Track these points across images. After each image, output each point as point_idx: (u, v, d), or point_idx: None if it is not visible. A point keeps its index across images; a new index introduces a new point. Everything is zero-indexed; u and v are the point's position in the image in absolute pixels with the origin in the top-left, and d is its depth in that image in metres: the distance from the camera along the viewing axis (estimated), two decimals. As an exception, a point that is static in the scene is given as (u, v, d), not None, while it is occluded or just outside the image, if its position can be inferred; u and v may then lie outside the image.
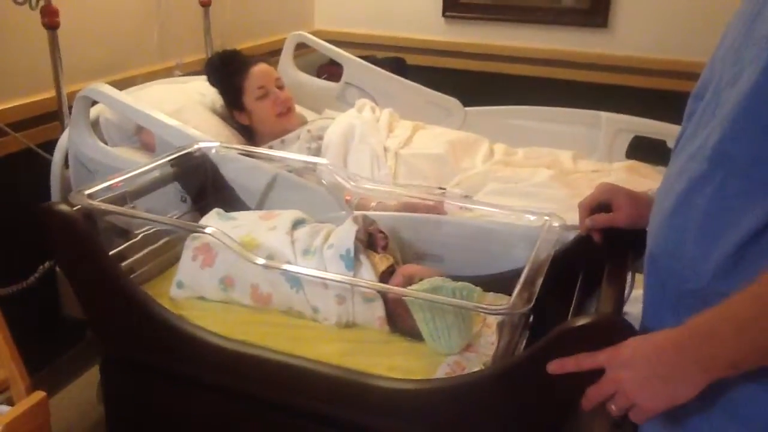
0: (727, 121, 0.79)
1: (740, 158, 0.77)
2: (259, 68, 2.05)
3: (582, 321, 0.98)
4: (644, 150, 2.16)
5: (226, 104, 2.06)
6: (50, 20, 1.77)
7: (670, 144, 2.08)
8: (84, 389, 2.00)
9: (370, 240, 1.41)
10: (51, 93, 1.87)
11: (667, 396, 0.81)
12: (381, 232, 1.44)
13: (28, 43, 1.83)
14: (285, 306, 1.36)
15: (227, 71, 2.05)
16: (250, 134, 2.06)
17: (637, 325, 0.97)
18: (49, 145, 1.88)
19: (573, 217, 1.38)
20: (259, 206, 1.63)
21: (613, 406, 0.88)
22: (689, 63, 2.52)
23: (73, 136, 1.79)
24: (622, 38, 2.66)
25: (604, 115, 2.21)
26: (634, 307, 1.22)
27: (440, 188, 1.78)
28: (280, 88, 2.07)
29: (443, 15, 2.90)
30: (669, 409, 0.82)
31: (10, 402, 1.29)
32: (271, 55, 2.66)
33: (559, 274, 1.22)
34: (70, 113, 1.83)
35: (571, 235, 1.32)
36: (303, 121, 2.16)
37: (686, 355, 0.79)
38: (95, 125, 1.86)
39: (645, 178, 1.96)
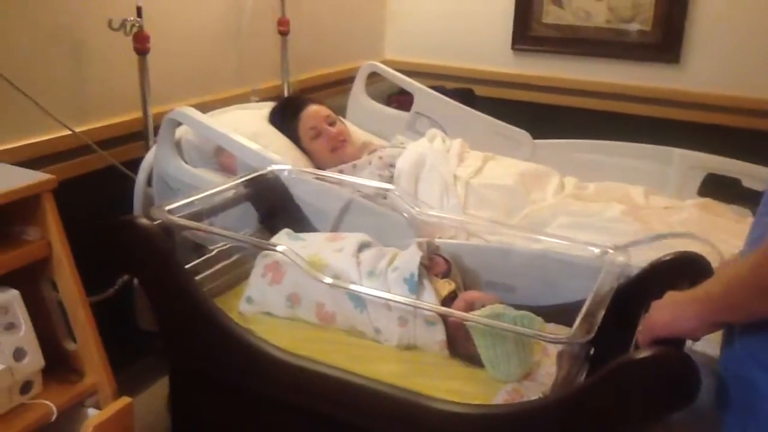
0: None
1: None
2: (309, 111, 2.11)
3: (642, 354, 0.99)
4: (718, 188, 2.12)
5: None
6: (141, 46, 1.88)
7: (746, 182, 2.06)
8: (152, 400, 2.06)
9: (430, 265, 1.44)
10: (137, 114, 1.97)
11: (671, 318, 0.98)
12: (444, 258, 1.46)
13: (119, 66, 1.94)
14: (348, 325, 1.39)
15: (284, 120, 2.12)
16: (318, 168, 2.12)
17: (707, 362, 0.99)
18: (131, 163, 1.97)
19: (644, 254, 1.39)
20: (331, 229, 1.68)
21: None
22: (763, 101, 2.47)
23: (159, 156, 1.88)
24: (694, 74, 2.62)
25: (677, 151, 2.18)
26: (706, 347, 1.21)
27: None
28: (332, 124, 2.12)
29: (512, 48, 2.93)
30: (670, 333, 0.99)
31: (97, 405, 1.37)
32: (343, 83, 2.74)
33: (621, 308, 1.22)
34: (154, 134, 1.94)
35: (635, 270, 1.32)
36: (368, 147, 2.21)
37: (693, 291, 0.97)
38: (177, 146, 1.95)
39: (718, 217, 1.91)
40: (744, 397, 0.93)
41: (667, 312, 1.00)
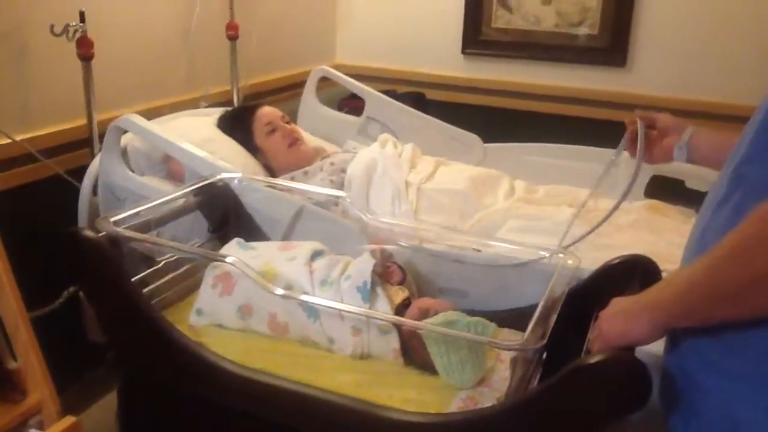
0: (744, 146, 0.87)
1: (753, 179, 0.84)
2: (265, 109, 2.15)
3: (594, 359, 1.00)
4: (662, 189, 2.17)
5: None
6: (85, 51, 1.83)
7: (689, 183, 2.11)
8: (100, 414, 2.01)
9: (385, 273, 1.43)
10: (81, 121, 1.92)
11: (623, 328, 0.97)
12: (398, 266, 1.46)
13: (62, 72, 1.88)
14: (301, 335, 1.37)
15: (236, 121, 2.13)
16: (270, 172, 2.10)
17: (653, 361, 1.00)
18: (76, 172, 1.92)
19: (594, 256, 1.40)
20: (283, 237, 1.66)
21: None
22: (707, 103, 2.53)
23: (104, 164, 1.84)
24: (640, 77, 2.68)
25: (624, 154, 2.22)
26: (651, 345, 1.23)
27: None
28: (287, 123, 2.15)
29: (462, 52, 2.95)
30: (624, 342, 0.97)
31: (40, 426, 1.31)
32: (293, 87, 2.72)
33: (573, 311, 1.23)
34: (99, 141, 1.89)
35: (586, 273, 1.33)
36: (320, 153, 2.20)
37: (642, 298, 0.97)
38: (123, 154, 1.91)
39: (666, 218, 1.96)
40: (688, 395, 0.94)
41: (618, 322, 0.98)
